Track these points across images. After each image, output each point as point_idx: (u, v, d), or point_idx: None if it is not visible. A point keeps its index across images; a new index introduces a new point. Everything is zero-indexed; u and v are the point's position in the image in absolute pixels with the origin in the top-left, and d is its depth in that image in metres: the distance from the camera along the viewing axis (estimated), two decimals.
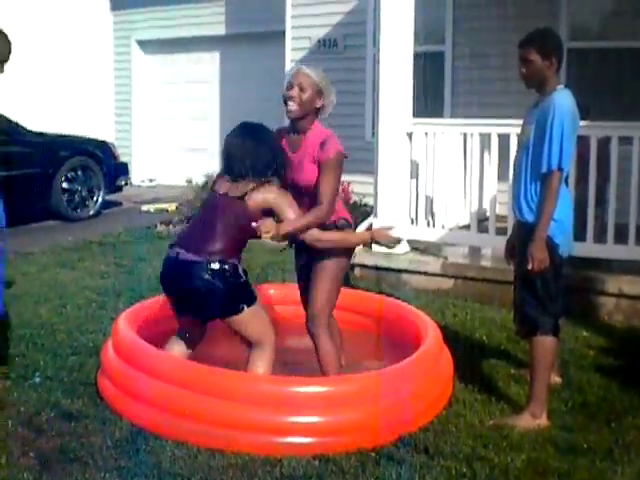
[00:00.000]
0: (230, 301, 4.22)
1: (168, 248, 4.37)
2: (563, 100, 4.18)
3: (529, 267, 4.17)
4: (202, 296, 4.17)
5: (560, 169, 4.12)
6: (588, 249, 6.50)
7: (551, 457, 3.94)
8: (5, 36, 4.48)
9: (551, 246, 4.24)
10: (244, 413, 3.98)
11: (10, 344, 5.51)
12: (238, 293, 4.26)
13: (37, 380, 4.85)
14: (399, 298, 6.08)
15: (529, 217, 4.31)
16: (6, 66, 4.50)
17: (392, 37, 7.27)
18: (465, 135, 7.31)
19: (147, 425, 4.10)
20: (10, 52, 4.48)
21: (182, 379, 4.17)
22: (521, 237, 4.40)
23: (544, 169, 4.16)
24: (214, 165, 13.55)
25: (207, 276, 4.13)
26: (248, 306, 4.26)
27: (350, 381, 4.32)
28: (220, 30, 13.80)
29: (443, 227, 7.36)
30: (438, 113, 9.65)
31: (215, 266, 4.15)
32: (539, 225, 4.17)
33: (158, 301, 5.22)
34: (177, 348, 4.53)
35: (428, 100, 10.03)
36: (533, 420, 4.29)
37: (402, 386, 4.25)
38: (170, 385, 4.16)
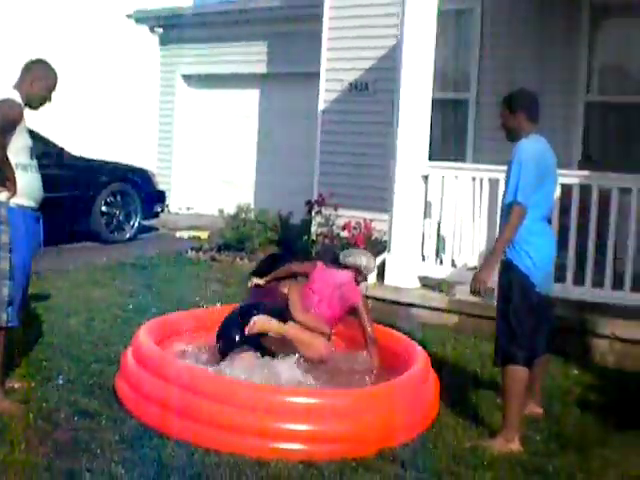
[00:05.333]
0: None
1: None
2: (526, 144, 4.69)
3: (471, 288, 4.64)
4: None
5: (517, 202, 4.55)
6: (587, 293, 6.90)
7: (517, 477, 4.30)
8: (51, 67, 5.02)
9: (527, 285, 4.65)
10: (241, 417, 4.41)
11: (38, 350, 6.05)
12: None
13: (60, 382, 5.34)
14: (401, 329, 6.48)
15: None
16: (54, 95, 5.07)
17: (411, 85, 7.78)
18: (475, 179, 7.71)
19: (153, 423, 4.56)
20: (56, 82, 5.03)
21: (189, 384, 4.64)
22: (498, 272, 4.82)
23: (505, 202, 4.66)
24: (248, 197, 14.11)
25: None
26: None
27: (340, 395, 4.75)
28: (261, 69, 14.40)
29: (454, 265, 7.74)
30: (461, 157, 10.05)
31: None
32: (492, 249, 4.63)
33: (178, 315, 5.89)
34: None
35: (452, 143, 10.46)
36: (506, 444, 4.65)
37: (388, 404, 4.66)
38: (178, 388, 4.63)
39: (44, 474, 3.99)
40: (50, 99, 5.01)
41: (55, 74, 4.99)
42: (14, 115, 4.64)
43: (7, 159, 4.61)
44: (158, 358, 4.96)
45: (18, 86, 4.85)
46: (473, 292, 4.69)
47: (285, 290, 5.92)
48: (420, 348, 5.50)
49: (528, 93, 4.97)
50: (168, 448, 4.33)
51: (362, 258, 6.18)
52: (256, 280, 6.14)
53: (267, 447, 4.35)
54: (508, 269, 4.67)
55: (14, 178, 4.66)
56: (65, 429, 4.55)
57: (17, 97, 4.75)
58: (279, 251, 5.89)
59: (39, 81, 4.90)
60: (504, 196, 4.74)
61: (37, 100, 4.93)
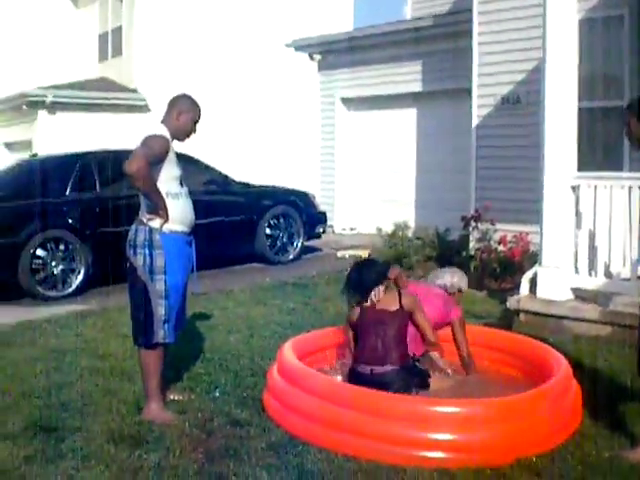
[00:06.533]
0: None
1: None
2: None
3: None
4: None
5: None
6: None
7: None
8: (195, 101, 5.42)
9: None
10: (379, 426, 4.62)
11: (199, 365, 6.49)
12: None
13: (216, 394, 5.73)
14: (552, 342, 6.48)
15: None
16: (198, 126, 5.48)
17: (556, 95, 7.76)
18: (630, 188, 7.55)
19: (298, 433, 4.84)
20: (200, 115, 5.42)
21: (331, 396, 4.90)
22: None
23: None
24: (408, 215, 14.29)
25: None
26: None
27: (478, 405, 4.86)
28: (416, 87, 14.62)
29: (608, 276, 7.61)
30: (618, 165, 9.84)
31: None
32: None
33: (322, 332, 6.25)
34: None
35: (608, 152, 10.25)
36: None
37: (526, 413, 4.73)
38: (320, 400, 4.90)
39: (194, 477, 4.34)
40: (195, 131, 5.42)
41: (199, 107, 5.39)
42: (161, 149, 5.07)
43: (157, 189, 5.04)
44: (301, 372, 5.24)
45: (165, 121, 5.29)
46: None
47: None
48: (562, 358, 5.49)
49: None
50: (310, 454, 4.59)
51: (446, 276, 6.24)
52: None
53: (404, 454, 4.51)
54: None
55: (165, 206, 5.08)
56: (217, 437, 4.91)
57: (165, 131, 5.18)
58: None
59: (184, 114, 5.31)
60: None
61: (183, 133, 5.34)
